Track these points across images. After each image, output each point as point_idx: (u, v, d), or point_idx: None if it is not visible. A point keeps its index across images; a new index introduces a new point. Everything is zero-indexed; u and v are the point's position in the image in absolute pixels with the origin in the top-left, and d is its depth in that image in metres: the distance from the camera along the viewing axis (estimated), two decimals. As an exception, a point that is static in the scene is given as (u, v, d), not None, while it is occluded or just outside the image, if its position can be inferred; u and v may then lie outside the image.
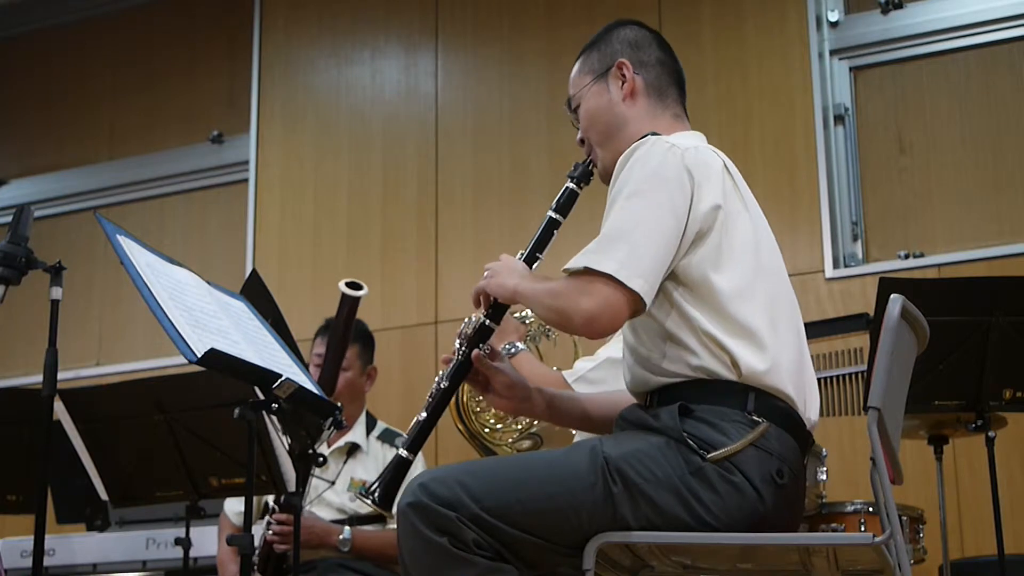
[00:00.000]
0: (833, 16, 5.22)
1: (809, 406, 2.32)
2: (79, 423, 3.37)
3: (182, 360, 2.28)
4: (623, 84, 2.49)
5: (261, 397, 2.47)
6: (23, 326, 6.03)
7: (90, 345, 6.34)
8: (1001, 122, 4.98)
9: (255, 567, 3.64)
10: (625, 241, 2.19)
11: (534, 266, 2.48)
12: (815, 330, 4.05)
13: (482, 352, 2.45)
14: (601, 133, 2.51)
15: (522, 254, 2.50)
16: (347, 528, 3.88)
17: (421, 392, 2.66)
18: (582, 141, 2.57)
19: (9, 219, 2.92)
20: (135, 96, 6.59)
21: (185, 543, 3.46)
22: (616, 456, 2.16)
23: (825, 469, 3.68)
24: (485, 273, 2.44)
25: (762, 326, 2.22)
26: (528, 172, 5.47)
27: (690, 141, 2.36)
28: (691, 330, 2.22)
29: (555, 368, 3.22)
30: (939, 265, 4.80)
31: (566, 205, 2.55)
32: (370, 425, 4.20)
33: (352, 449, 4.13)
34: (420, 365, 5.32)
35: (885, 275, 3.40)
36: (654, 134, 2.36)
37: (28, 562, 3.19)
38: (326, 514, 3.96)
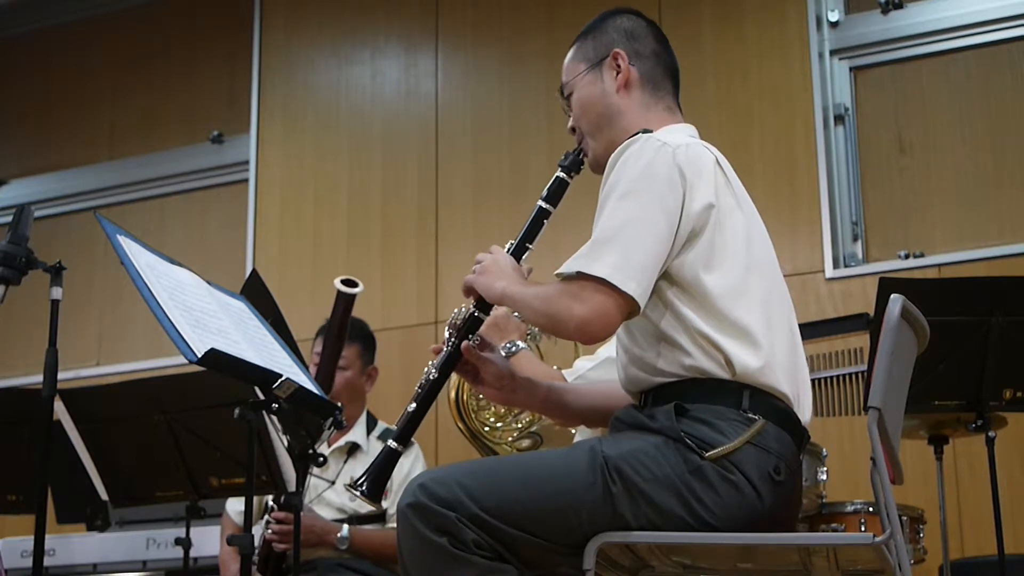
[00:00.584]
0: (833, 16, 5.22)
1: (803, 401, 2.32)
2: (79, 423, 3.37)
3: (182, 360, 2.27)
4: (617, 75, 2.47)
5: (261, 397, 2.47)
6: (23, 326, 6.03)
7: (90, 345, 6.34)
8: (1001, 122, 4.98)
9: (255, 567, 3.64)
10: (617, 244, 2.18)
11: (524, 256, 2.47)
12: (815, 330, 4.05)
13: (471, 343, 2.45)
14: (593, 123, 2.50)
15: (512, 244, 2.49)
16: (346, 527, 3.88)
17: (421, 392, 2.66)
18: (573, 129, 2.56)
19: (9, 219, 2.92)
20: (135, 96, 6.60)
21: (185, 543, 3.46)
22: (615, 455, 2.16)
23: (825, 469, 3.68)
24: (475, 266, 2.42)
25: (756, 324, 2.22)
26: (528, 172, 5.47)
27: (681, 137, 2.34)
28: (684, 330, 2.21)
29: (555, 367, 3.22)
30: (939, 265, 4.80)
31: (556, 194, 2.55)
32: (371, 425, 4.20)
33: (352, 449, 4.14)
34: (420, 365, 5.22)
35: (885, 275, 3.40)
36: (645, 131, 2.35)
37: (28, 562, 3.20)
38: (326, 513, 3.96)
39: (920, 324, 2.28)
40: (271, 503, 3.75)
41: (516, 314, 3.10)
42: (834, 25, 5.22)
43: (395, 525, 2.23)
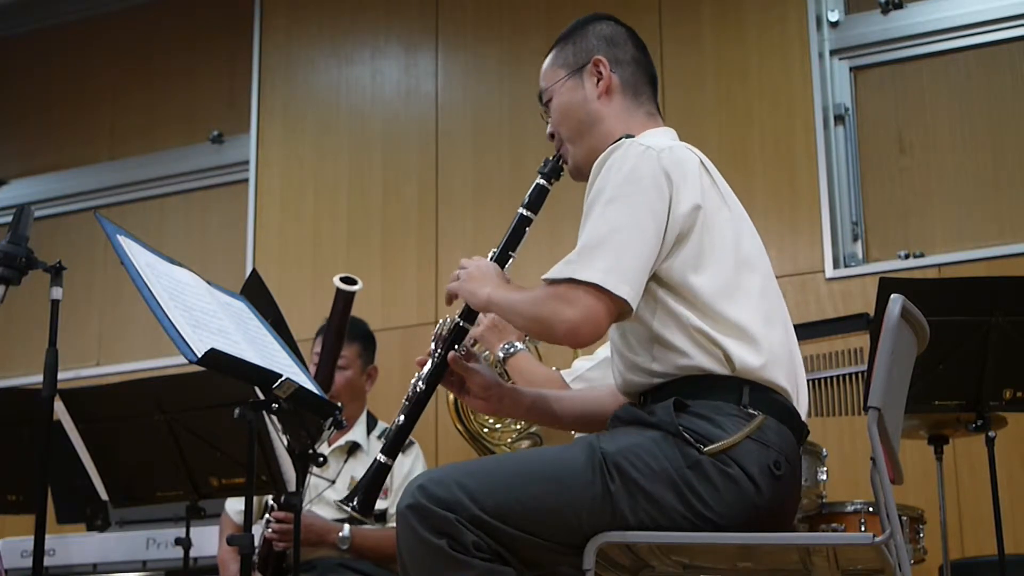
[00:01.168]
0: (833, 16, 5.22)
1: (801, 395, 2.32)
2: (79, 423, 3.37)
3: (182, 360, 2.28)
4: (599, 81, 2.48)
5: (261, 397, 2.47)
6: (23, 326, 6.03)
7: (90, 345, 6.34)
8: (1001, 122, 4.98)
9: (255, 566, 3.64)
10: (607, 249, 2.17)
11: (507, 264, 2.47)
12: (815, 330, 4.05)
13: (457, 353, 2.45)
14: (573, 129, 2.50)
15: (494, 253, 2.48)
16: (347, 526, 3.88)
17: (422, 392, 2.65)
18: (552, 135, 2.56)
19: (9, 219, 2.92)
20: (135, 96, 6.59)
21: (185, 543, 3.46)
22: (613, 451, 2.16)
23: (825, 469, 3.68)
24: (457, 271, 2.41)
25: (752, 321, 2.22)
26: (528, 172, 5.36)
27: (664, 141, 2.34)
28: (680, 328, 2.21)
29: (554, 368, 3.22)
30: (939, 265, 4.79)
31: (536, 201, 2.55)
32: (371, 424, 4.21)
33: (352, 448, 4.14)
34: (420, 365, 5.31)
35: (885, 275, 3.40)
36: (628, 136, 2.35)
37: (28, 562, 3.19)
38: (326, 513, 3.96)
39: (920, 324, 2.28)
40: (271, 503, 3.75)
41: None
42: (834, 25, 5.22)
43: (395, 525, 2.23)
